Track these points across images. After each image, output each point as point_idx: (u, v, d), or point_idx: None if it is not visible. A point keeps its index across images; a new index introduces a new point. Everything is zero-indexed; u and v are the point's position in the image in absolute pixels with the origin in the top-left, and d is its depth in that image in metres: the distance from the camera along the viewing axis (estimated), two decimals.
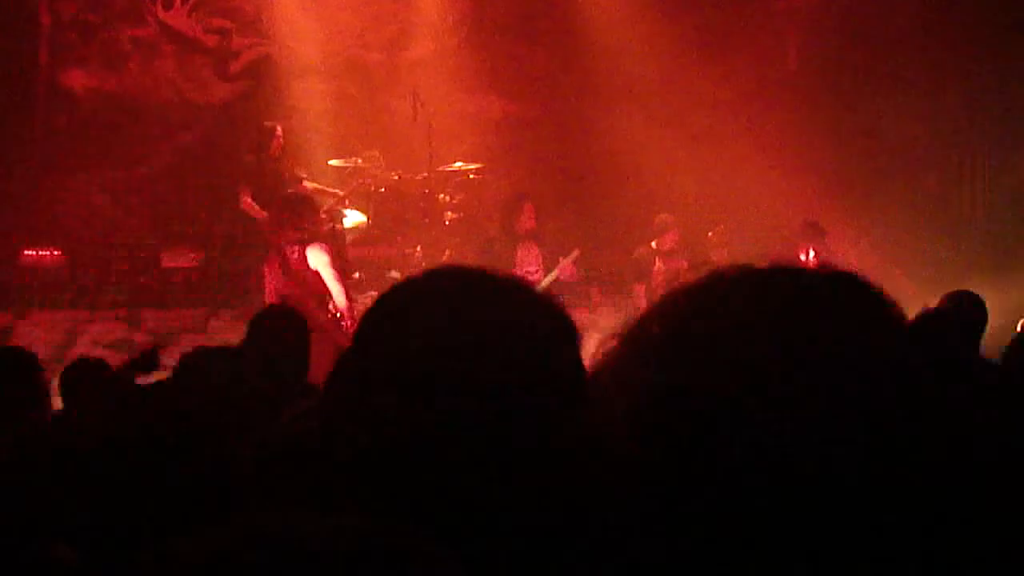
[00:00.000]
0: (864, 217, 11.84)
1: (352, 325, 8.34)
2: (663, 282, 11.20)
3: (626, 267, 11.44)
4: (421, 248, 11.15)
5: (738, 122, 12.39)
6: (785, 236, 11.53)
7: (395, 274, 10.80)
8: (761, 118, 12.49)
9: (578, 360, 1.45)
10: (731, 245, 11.80)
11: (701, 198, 12.23)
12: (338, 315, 8.78)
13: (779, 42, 13.29)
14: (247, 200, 10.93)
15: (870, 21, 12.64)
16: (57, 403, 5.06)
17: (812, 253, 11.31)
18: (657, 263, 11.28)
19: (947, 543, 1.11)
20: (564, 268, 10.73)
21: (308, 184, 11.27)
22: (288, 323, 5.52)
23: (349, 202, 11.35)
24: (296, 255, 8.52)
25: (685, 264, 11.39)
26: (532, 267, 10.95)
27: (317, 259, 8.58)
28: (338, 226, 10.12)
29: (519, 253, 10.89)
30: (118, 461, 3.33)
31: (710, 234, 11.87)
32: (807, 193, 11.89)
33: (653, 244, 11.38)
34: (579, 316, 6.92)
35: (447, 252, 11.47)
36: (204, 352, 4.50)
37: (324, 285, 8.61)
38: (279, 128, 11.15)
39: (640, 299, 11.13)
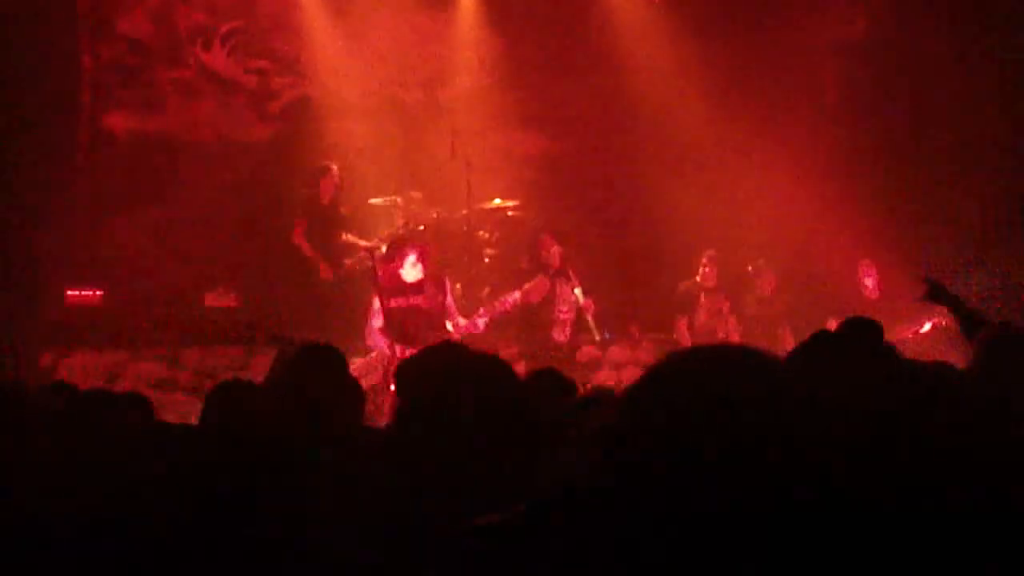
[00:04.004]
0: (906, 251, 11.75)
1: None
2: (707, 318, 11.21)
3: (668, 301, 11.43)
4: (461, 285, 11.15)
5: (777, 156, 12.34)
6: (832, 269, 11.54)
7: None
8: (800, 152, 12.44)
9: None
10: (770, 279, 11.76)
11: (739, 233, 12.19)
12: None
13: (818, 76, 13.26)
14: (300, 234, 11.08)
15: (910, 53, 12.59)
16: None
17: (871, 282, 11.31)
18: (702, 298, 11.29)
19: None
20: (587, 305, 10.80)
21: (347, 237, 11.38)
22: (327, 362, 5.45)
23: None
24: None
25: (727, 303, 11.37)
26: (564, 307, 10.97)
27: None
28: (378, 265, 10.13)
29: (556, 290, 10.94)
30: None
31: (749, 268, 11.84)
32: (847, 226, 11.82)
33: (697, 279, 11.39)
34: (619, 352, 6.91)
35: (487, 289, 11.48)
36: (230, 386, 4.47)
37: None
38: (335, 167, 11.36)
39: (682, 332, 11.13)
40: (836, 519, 1.45)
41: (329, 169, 11.41)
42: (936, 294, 5.92)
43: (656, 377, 1.58)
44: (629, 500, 1.49)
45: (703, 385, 1.53)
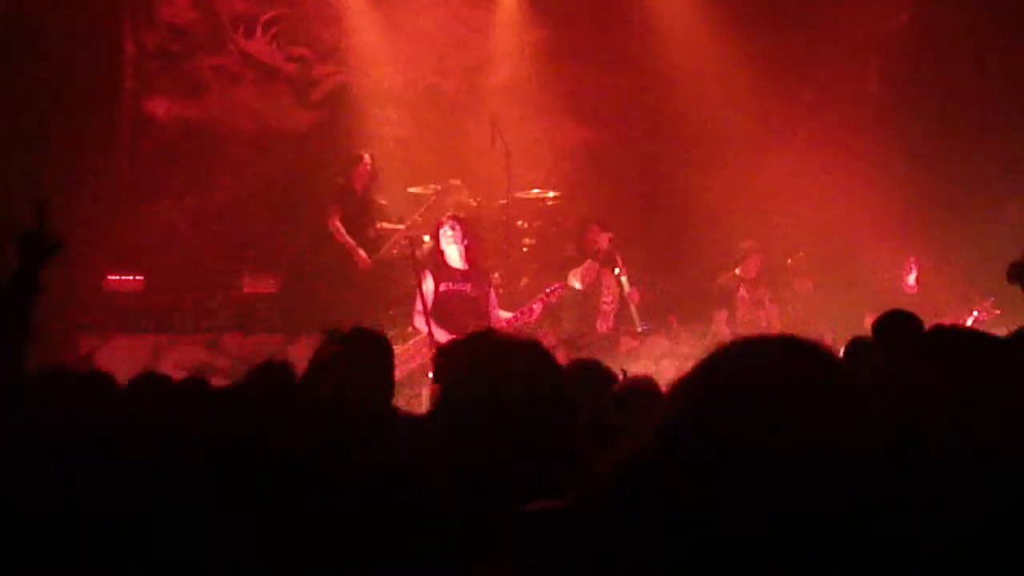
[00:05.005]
0: (945, 245, 11.67)
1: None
2: (747, 311, 11.13)
3: (708, 293, 11.37)
4: (499, 274, 11.13)
5: (817, 149, 12.26)
6: (875, 262, 11.46)
7: None
8: (841, 145, 12.35)
9: None
10: (812, 272, 11.69)
11: (780, 225, 12.12)
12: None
13: (860, 69, 13.15)
14: (336, 222, 11.14)
15: (952, 46, 12.46)
16: None
17: (915, 276, 11.22)
18: (741, 290, 11.21)
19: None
20: (631, 295, 10.75)
21: (381, 225, 11.41)
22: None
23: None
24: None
25: (767, 294, 11.30)
26: (608, 297, 10.91)
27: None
28: (418, 252, 10.14)
29: (602, 279, 10.89)
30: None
31: (789, 261, 11.77)
32: (888, 219, 11.73)
33: (737, 271, 11.31)
34: (658, 342, 6.85)
35: (524, 279, 11.46)
36: (267, 367, 4.47)
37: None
38: (367, 156, 11.40)
39: (721, 325, 11.05)
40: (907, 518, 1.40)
41: (361, 158, 11.46)
42: (1018, 274, 5.69)
43: (716, 367, 1.54)
44: (694, 495, 1.45)
45: (765, 376, 1.49)
